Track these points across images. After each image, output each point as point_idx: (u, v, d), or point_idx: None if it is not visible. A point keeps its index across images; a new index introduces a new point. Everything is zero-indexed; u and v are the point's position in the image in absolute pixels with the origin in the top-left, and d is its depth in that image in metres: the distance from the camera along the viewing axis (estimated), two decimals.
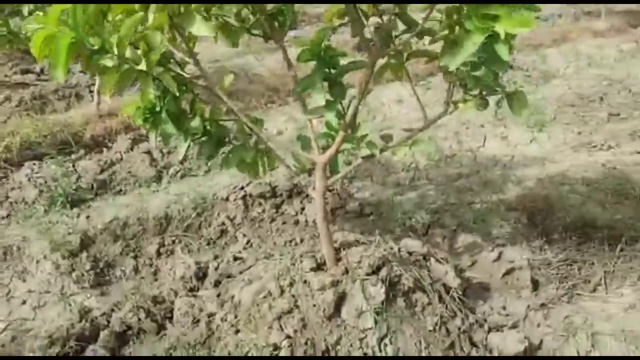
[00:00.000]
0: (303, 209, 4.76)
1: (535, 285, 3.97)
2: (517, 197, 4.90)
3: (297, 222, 4.69)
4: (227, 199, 4.76)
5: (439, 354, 3.22)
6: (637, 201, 4.78)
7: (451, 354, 3.27)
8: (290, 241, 4.41)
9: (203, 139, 3.21)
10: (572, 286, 3.92)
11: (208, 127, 3.18)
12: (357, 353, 3.09)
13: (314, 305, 3.18)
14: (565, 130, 6.27)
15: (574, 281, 3.96)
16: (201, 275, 4.05)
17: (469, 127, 6.19)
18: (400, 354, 3.16)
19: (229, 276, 3.91)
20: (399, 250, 3.61)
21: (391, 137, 3.06)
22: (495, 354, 3.33)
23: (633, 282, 3.92)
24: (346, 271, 3.28)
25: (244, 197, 4.76)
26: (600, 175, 5.23)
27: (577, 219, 4.53)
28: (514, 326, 3.57)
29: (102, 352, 3.35)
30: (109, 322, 3.64)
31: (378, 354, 3.11)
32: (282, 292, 3.27)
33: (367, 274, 3.24)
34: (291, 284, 3.29)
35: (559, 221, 4.51)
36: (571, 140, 6.07)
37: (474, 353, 3.33)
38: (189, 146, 3.18)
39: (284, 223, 4.67)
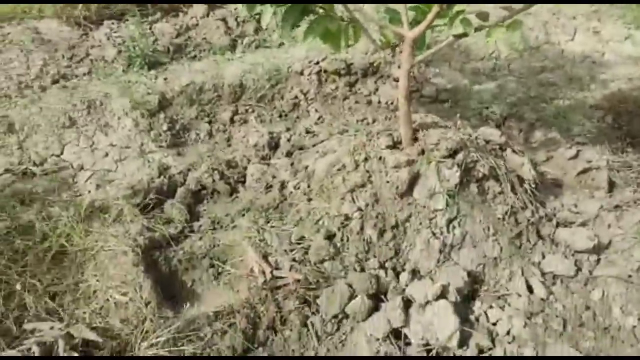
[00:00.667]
0: (377, 89, 4.68)
1: (611, 186, 3.86)
2: (604, 96, 4.64)
3: (369, 102, 4.63)
4: (301, 73, 4.71)
5: (506, 242, 3.25)
6: None
7: (517, 243, 3.29)
8: (363, 120, 4.38)
9: (288, 5, 3.09)
10: None
11: None
12: (426, 232, 3.15)
13: (388, 182, 3.20)
14: None
15: None
16: (273, 145, 4.12)
17: (560, 18, 5.76)
18: (468, 238, 3.20)
19: (301, 148, 3.97)
20: (477, 137, 3.53)
21: (488, 15, 2.87)
22: (562, 248, 3.33)
23: None
24: (422, 152, 3.25)
25: (318, 73, 4.70)
26: None
27: None
28: (584, 224, 3.53)
29: (179, 207, 3.53)
30: (185, 180, 3.81)
31: (446, 235, 3.16)
32: (357, 166, 3.30)
33: (444, 157, 3.21)
34: (366, 159, 3.30)
35: None
36: None
37: (539, 245, 3.34)
38: (273, 13, 3.09)
39: (356, 102, 4.63)
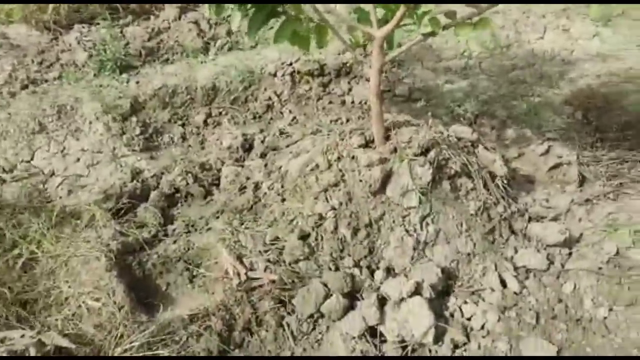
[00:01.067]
0: (350, 89, 4.70)
1: (582, 181, 3.92)
2: (573, 92, 4.72)
3: (343, 102, 4.64)
4: (274, 75, 4.71)
5: (479, 237, 3.28)
6: None
7: (490, 239, 3.33)
8: (337, 120, 4.39)
9: (254, 9, 3.08)
10: (619, 184, 3.86)
11: None
12: (399, 229, 3.17)
13: (361, 181, 3.22)
14: (633, 26, 5.86)
15: (622, 180, 3.89)
16: (247, 146, 4.11)
17: (530, 17, 5.84)
18: (441, 235, 3.23)
19: (275, 149, 3.96)
20: (449, 134, 3.56)
21: (455, 14, 2.90)
22: (535, 243, 3.37)
23: None
24: (394, 150, 3.27)
25: (291, 74, 4.70)
26: None
27: (635, 118, 4.37)
28: (555, 218, 3.59)
29: (153, 211, 3.51)
30: (158, 183, 3.79)
31: (420, 232, 3.18)
32: (330, 165, 3.30)
33: (416, 155, 3.23)
34: (339, 159, 3.31)
35: (615, 119, 4.37)
36: (638, 37, 5.69)
37: (512, 240, 3.38)
38: (243, 16, 3.08)
39: (330, 102, 4.64)
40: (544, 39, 5.64)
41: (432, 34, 2.92)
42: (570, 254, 3.37)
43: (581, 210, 3.66)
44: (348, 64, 4.75)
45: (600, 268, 3.22)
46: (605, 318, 3.01)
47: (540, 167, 4.02)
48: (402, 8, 2.82)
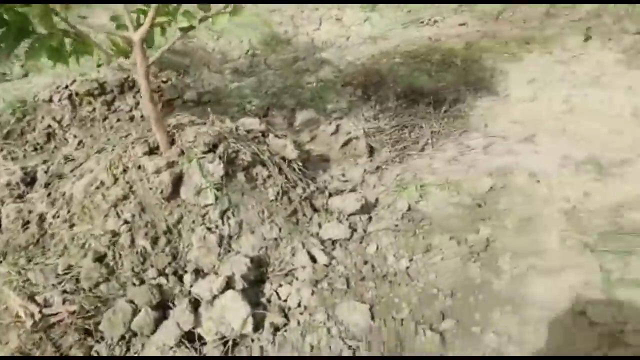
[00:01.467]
0: (137, 103, 4.54)
1: (371, 151, 4.21)
2: (352, 73, 5.05)
3: (132, 118, 4.47)
4: (50, 101, 4.38)
5: (283, 221, 3.35)
6: (458, 69, 5.15)
7: (294, 220, 3.41)
8: (127, 136, 4.17)
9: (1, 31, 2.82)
10: (403, 148, 4.21)
11: (4, 16, 2.79)
12: (200, 229, 3.11)
13: (151, 189, 3.10)
14: (396, 9, 6.47)
15: (405, 144, 4.25)
16: (29, 180, 3.75)
17: (304, 11, 6.16)
18: (244, 226, 3.24)
19: (60, 176, 3.68)
20: (236, 128, 3.59)
21: (209, 6, 2.93)
22: (336, 215, 3.53)
23: (455, 138, 4.30)
24: (182, 152, 3.21)
25: (70, 97, 4.40)
26: (427, 48, 5.53)
27: (407, 88, 4.80)
28: (353, 189, 3.80)
29: None
30: None
31: (222, 228, 3.16)
32: (116, 180, 3.14)
33: (203, 152, 3.21)
34: (124, 171, 3.16)
35: (390, 91, 4.75)
36: (401, 18, 6.29)
37: (315, 217, 3.50)
38: None
39: (118, 120, 4.43)
40: (321, 29, 5.97)
41: (190, 27, 2.91)
42: (370, 218, 3.58)
43: (374, 178, 3.92)
44: (130, 78, 4.59)
45: (396, 225, 3.47)
46: (407, 268, 3.23)
47: (333, 145, 4.23)
48: (152, 7, 2.77)
